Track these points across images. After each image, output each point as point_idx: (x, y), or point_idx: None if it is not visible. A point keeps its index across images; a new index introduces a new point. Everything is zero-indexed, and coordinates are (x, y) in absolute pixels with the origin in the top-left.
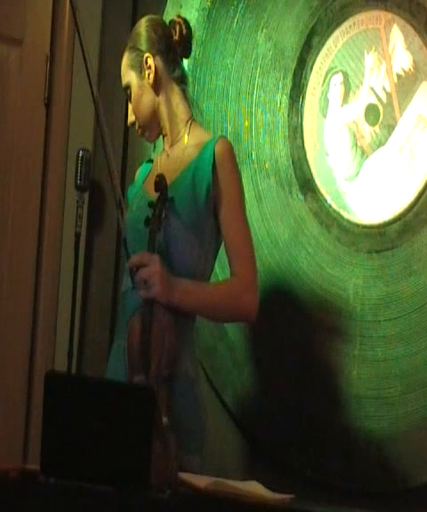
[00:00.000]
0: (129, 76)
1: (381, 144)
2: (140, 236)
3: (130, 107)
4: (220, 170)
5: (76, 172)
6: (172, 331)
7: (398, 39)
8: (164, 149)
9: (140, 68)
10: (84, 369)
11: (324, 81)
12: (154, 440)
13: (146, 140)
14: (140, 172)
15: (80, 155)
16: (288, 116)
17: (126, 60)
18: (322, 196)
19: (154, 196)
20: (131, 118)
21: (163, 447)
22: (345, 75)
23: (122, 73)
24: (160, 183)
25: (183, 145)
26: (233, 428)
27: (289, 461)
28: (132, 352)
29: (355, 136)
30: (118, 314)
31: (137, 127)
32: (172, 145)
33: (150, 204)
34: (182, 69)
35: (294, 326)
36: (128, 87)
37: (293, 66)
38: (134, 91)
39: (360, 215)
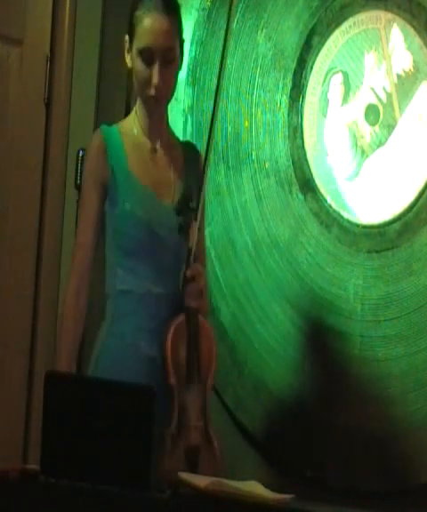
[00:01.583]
0: (174, 42)
1: (381, 144)
2: (157, 239)
3: (156, 69)
4: None
5: (76, 172)
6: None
7: (398, 39)
8: (149, 136)
9: (180, 40)
10: (84, 369)
11: (324, 81)
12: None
13: (162, 112)
14: (109, 141)
15: (80, 155)
16: (288, 115)
17: (170, 24)
18: (322, 195)
19: (167, 199)
20: (156, 80)
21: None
22: (345, 75)
23: (163, 33)
24: (190, 194)
25: (171, 141)
26: (233, 429)
27: (289, 461)
28: (177, 360)
29: (355, 136)
30: (113, 313)
31: (153, 94)
32: (160, 136)
33: (179, 212)
34: None
35: (294, 326)
36: (170, 50)
37: (293, 66)
38: (175, 61)
39: (360, 215)
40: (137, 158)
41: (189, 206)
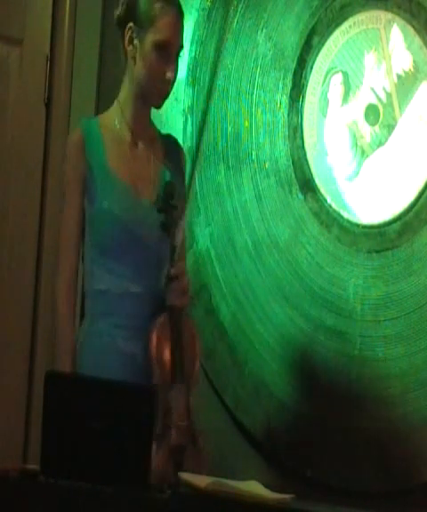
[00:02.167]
0: (182, 44)
1: (381, 144)
2: (135, 238)
3: (172, 64)
4: None
5: None
6: (197, 336)
7: (398, 39)
8: (132, 130)
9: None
10: None
11: (324, 81)
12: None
13: (159, 107)
14: (88, 136)
15: None
16: (288, 115)
17: (179, 21)
18: (322, 195)
19: (146, 196)
20: (171, 75)
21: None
22: (345, 75)
23: (180, 31)
24: (172, 191)
25: (153, 134)
26: (233, 428)
27: (289, 461)
28: (161, 360)
29: (355, 136)
30: (92, 312)
31: (163, 88)
32: (143, 130)
33: (160, 210)
34: None
35: (294, 326)
36: (180, 49)
37: (293, 66)
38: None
39: (360, 215)
40: (117, 153)
41: (171, 204)
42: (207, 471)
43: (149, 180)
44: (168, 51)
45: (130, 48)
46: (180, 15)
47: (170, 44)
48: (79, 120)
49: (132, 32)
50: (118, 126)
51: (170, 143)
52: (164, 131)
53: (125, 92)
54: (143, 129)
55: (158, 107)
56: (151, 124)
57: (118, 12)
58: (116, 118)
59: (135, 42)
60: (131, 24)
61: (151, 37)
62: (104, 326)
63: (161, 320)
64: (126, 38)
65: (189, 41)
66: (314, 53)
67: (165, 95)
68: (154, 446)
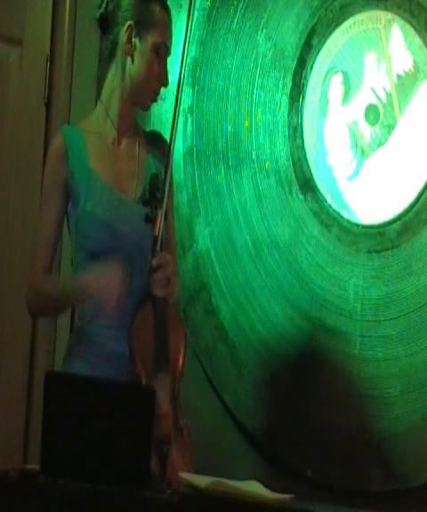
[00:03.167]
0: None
1: (381, 144)
2: (119, 237)
3: (165, 67)
4: None
5: None
6: (183, 327)
7: (397, 39)
8: (117, 129)
9: None
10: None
11: (324, 81)
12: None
13: (147, 108)
14: (70, 142)
15: None
16: (288, 115)
17: (170, 22)
18: (322, 195)
19: (128, 192)
20: (166, 77)
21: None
22: (345, 74)
23: (168, 31)
24: (157, 184)
25: (136, 131)
26: (233, 428)
27: (289, 461)
28: (143, 350)
29: (355, 136)
30: (80, 315)
31: (157, 90)
32: (128, 128)
33: (146, 203)
34: None
35: (294, 326)
36: (169, 54)
37: (293, 66)
38: None
39: (360, 215)
40: (100, 154)
41: (156, 197)
42: (194, 466)
43: (131, 176)
44: (164, 53)
45: (127, 46)
46: (171, 20)
47: (166, 47)
48: (69, 122)
49: (132, 30)
50: (102, 126)
51: (154, 137)
52: (164, 131)
53: (111, 89)
54: (128, 126)
55: (146, 108)
56: (135, 122)
57: (102, 11)
58: (99, 119)
59: (134, 40)
60: (130, 22)
61: (152, 39)
62: (95, 329)
63: (143, 310)
64: (125, 35)
65: (189, 41)
66: (314, 53)
67: (155, 98)
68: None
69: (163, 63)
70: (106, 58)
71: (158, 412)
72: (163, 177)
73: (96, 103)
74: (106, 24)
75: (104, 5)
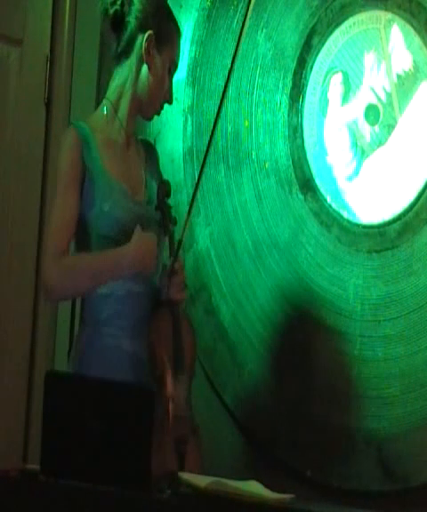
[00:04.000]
0: None
1: (381, 144)
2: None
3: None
4: None
5: None
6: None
7: (397, 39)
8: (125, 133)
9: None
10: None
11: (324, 81)
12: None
13: (149, 119)
14: (84, 137)
15: None
16: (288, 115)
17: (179, 40)
18: (322, 195)
19: (138, 196)
20: (172, 92)
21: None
22: (345, 74)
23: (179, 48)
24: (165, 189)
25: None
26: (233, 428)
27: (289, 461)
28: (162, 353)
29: (355, 136)
30: (95, 317)
31: (166, 103)
32: (133, 133)
33: (157, 208)
34: None
35: (293, 326)
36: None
37: (293, 66)
38: None
39: (360, 215)
40: (111, 155)
41: (166, 202)
42: (202, 465)
43: (140, 180)
44: (173, 72)
45: (147, 56)
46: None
47: (176, 66)
48: (69, 122)
49: (152, 41)
50: (110, 126)
51: (148, 146)
52: (164, 131)
53: (122, 91)
54: (132, 131)
55: (149, 119)
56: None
57: (117, 7)
58: (109, 119)
59: (153, 52)
60: (151, 32)
61: (168, 55)
62: (109, 330)
63: (160, 313)
64: (145, 44)
65: (189, 41)
66: (314, 53)
67: (159, 112)
68: (160, 438)
69: (171, 81)
70: (115, 56)
71: (179, 414)
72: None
73: (96, 103)
74: (118, 22)
75: (120, 2)
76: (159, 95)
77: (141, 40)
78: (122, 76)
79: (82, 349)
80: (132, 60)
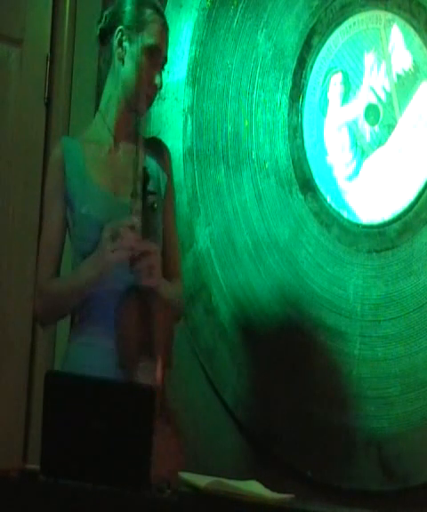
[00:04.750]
0: (167, 52)
1: (381, 144)
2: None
3: (160, 70)
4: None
5: None
6: (171, 317)
7: (397, 39)
8: (114, 136)
9: None
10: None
11: (324, 81)
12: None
13: (141, 113)
14: (68, 152)
15: None
16: (288, 115)
17: (166, 32)
18: (322, 195)
19: (126, 196)
20: (159, 81)
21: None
22: (345, 74)
23: (165, 40)
24: (147, 176)
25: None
26: (233, 428)
27: (289, 461)
28: (128, 341)
29: (355, 135)
30: (81, 318)
31: (152, 95)
32: (125, 133)
33: (134, 195)
34: None
35: (294, 326)
36: (166, 60)
37: (293, 66)
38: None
39: (360, 215)
40: (96, 161)
41: (147, 189)
42: (184, 454)
43: (128, 180)
44: (157, 57)
45: (119, 50)
46: (167, 27)
47: (159, 50)
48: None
49: (122, 34)
50: (100, 135)
51: (154, 143)
52: (164, 131)
53: (108, 96)
54: (126, 132)
55: (142, 114)
56: (133, 127)
57: (102, 25)
58: (98, 128)
59: (125, 44)
60: (121, 27)
61: (143, 41)
62: (94, 329)
63: (126, 301)
64: (116, 40)
65: (189, 41)
66: (314, 53)
67: (150, 102)
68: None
69: (157, 66)
70: (105, 70)
71: None
72: (170, 180)
73: (96, 104)
74: (105, 36)
75: (103, 20)
76: (141, 85)
77: (115, 39)
78: (108, 82)
79: (67, 349)
80: (113, 63)
